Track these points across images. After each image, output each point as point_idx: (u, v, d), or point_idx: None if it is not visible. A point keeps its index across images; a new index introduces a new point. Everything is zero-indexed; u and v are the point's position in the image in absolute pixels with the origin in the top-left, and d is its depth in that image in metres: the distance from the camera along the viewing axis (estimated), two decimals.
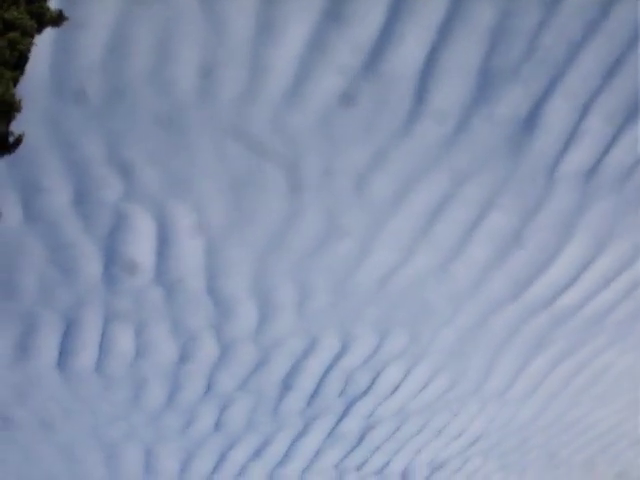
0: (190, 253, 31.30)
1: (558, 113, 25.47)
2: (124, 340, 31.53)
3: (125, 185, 29.33)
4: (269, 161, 28.28)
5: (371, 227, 31.05)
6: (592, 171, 26.78)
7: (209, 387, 33.37)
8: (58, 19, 11.28)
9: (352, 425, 34.08)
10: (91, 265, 31.70)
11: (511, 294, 31.24)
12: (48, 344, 31.12)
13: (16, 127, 9.78)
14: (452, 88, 25.01)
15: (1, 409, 30.68)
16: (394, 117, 25.89)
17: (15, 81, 9.53)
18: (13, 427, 31.61)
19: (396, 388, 33.14)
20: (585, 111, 25.07)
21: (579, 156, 26.56)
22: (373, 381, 33.13)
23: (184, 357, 33.20)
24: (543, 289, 30.59)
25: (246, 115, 26.01)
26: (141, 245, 31.12)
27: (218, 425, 33.98)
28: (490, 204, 28.66)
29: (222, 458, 34.16)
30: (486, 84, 24.79)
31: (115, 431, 33.46)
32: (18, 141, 9.65)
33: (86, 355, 31.31)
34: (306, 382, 33.62)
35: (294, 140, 27.15)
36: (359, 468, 34.81)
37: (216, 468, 34.23)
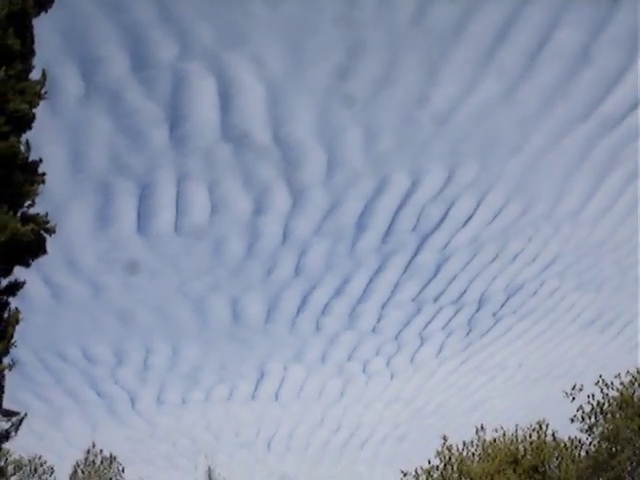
0: (253, 105, 31.39)
1: None
2: (199, 199, 32.43)
3: (180, 44, 29.13)
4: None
5: (433, 59, 30.45)
6: None
7: (285, 235, 34.42)
8: None
9: (427, 258, 34.91)
10: (157, 129, 32.18)
11: (581, 114, 30.75)
12: (126, 211, 32.28)
13: None
14: None
15: (91, 277, 32.31)
16: None
17: None
18: (104, 292, 33.38)
19: (469, 219, 33.54)
20: None
21: None
22: (445, 214, 33.57)
23: (258, 209, 34.11)
24: (614, 107, 29.98)
25: None
26: (204, 103, 31.29)
27: (298, 270, 35.26)
28: (556, 22, 27.69)
29: (305, 300, 35.67)
30: None
31: (201, 285, 35.12)
32: None
33: (164, 217, 32.44)
34: (379, 221, 34.33)
35: None
36: (436, 299, 35.93)
37: (300, 309, 35.80)
